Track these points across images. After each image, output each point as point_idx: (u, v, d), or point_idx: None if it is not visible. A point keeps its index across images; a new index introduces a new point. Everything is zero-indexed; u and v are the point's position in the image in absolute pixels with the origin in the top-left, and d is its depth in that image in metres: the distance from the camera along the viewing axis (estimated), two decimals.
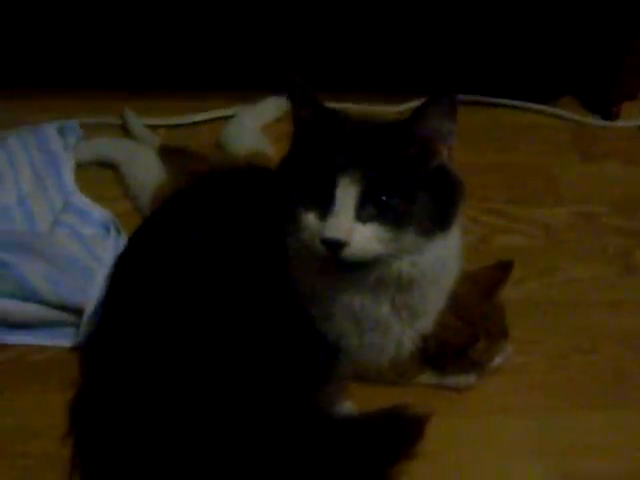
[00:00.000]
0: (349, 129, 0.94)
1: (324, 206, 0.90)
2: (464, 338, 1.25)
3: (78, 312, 1.28)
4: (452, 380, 1.31)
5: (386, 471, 1.17)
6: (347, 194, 0.89)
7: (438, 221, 0.94)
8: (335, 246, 0.88)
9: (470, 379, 1.31)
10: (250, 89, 1.66)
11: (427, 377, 1.31)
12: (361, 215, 0.89)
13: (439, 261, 0.98)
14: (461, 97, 1.71)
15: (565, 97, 1.84)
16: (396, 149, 0.92)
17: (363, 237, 0.89)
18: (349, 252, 0.89)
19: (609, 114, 1.82)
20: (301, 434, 1.12)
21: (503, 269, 1.33)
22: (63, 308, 1.29)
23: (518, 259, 1.36)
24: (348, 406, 1.26)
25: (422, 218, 0.92)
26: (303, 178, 0.92)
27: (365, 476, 1.15)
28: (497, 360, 1.31)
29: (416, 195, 0.91)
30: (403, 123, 0.94)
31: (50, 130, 1.54)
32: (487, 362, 1.30)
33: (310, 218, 0.91)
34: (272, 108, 1.69)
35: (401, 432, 1.21)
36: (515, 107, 1.81)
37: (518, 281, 1.45)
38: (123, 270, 1.18)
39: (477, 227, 1.56)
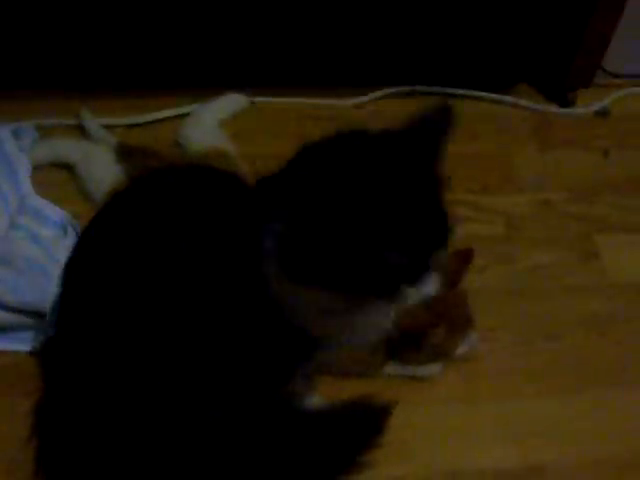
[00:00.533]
0: None
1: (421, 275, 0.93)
2: (424, 325, 1.24)
3: (38, 315, 1.26)
4: (417, 370, 1.31)
5: (353, 461, 1.17)
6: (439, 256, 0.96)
7: None
8: None
9: (435, 368, 1.31)
10: (207, 86, 1.66)
11: (392, 368, 1.31)
12: None
13: None
14: (417, 88, 1.76)
15: (520, 85, 1.85)
16: None
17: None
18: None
19: (565, 101, 1.83)
20: (270, 426, 1.13)
21: (463, 257, 1.33)
22: (22, 311, 1.27)
23: (479, 248, 1.37)
24: (317, 399, 1.26)
25: None
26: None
27: (333, 466, 1.16)
28: (461, 348, 1.31)
29: None
30: None
31: (4, 133, 1.51)
32: (451, 350, 1.30)
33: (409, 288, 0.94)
34: (230, 104, 1.68)
35: (366, 422, 1.22)
36: (471, 97, 1.81)
37: (480, 269, 1.45)
38: (76, 269, 1.17)
39: None
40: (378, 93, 1.77)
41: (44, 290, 1.26)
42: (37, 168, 1.52)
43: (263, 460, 1.11)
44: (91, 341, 1.07)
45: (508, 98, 1.82)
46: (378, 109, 1.76)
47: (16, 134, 1.53)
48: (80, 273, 1.15)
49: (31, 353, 1.28)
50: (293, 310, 1.00)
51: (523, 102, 1.83)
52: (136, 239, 1.10)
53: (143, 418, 1.05)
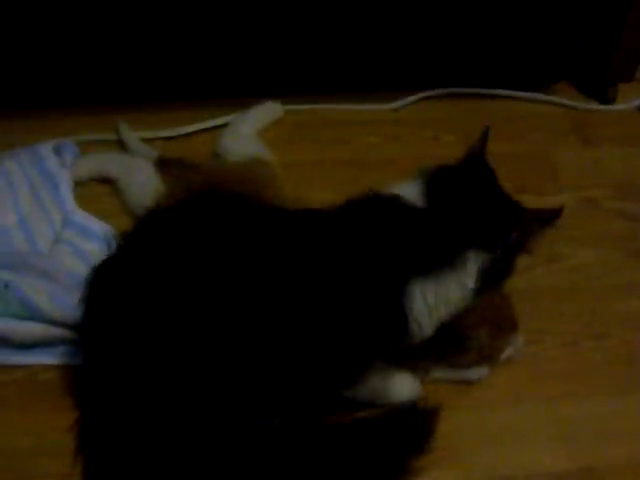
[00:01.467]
0: None
1: None
2: (468, 328, 1.24)
3: None
4: (464, 373, 1.30)
5: (402, 466, 1.17)
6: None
7: None
8: None
9: (482, 372, 1.30)
10: (243, 96, 1.66)
11: (439, 372, 1.30)
12: None
13: None
14: (454, 90, 1.75)
15: (560, 83, 1.83)
16: None
17: None
18: None
19: (606, 97, 1.81)
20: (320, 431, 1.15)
21: None
22: (69, 326, 1.28)
23: None
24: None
25: None
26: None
27: (382, 471, 1.16)
28: (508, 351, 1.30)
29: None
30: None
31: (46, 150, 1.53)
32: (497, 354, 1.29)
33: None
34: (267, 113, 1.69)
35: (414, 426, 1.21)
36: (510, 97, 1.80)
37: (524, 270, 1.42)
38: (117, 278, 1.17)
39: None
40: (416, 96, 1.76)
41: None
42: (79, 183, 1.54)
43: (309, 464, 1.11)
44: (133, 348, 1.08)
45: (547, 97, 1.80)
46: (418, 112, 1.75)
47: (57, 151, 1.55)
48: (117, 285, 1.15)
49: (77, 367, 1.28)
50: None
51: (562, 100, 1.81)
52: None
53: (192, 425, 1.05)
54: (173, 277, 1.08)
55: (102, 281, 1.16)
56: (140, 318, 1.08)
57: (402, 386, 1.26)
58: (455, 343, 1.25)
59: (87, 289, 1.16)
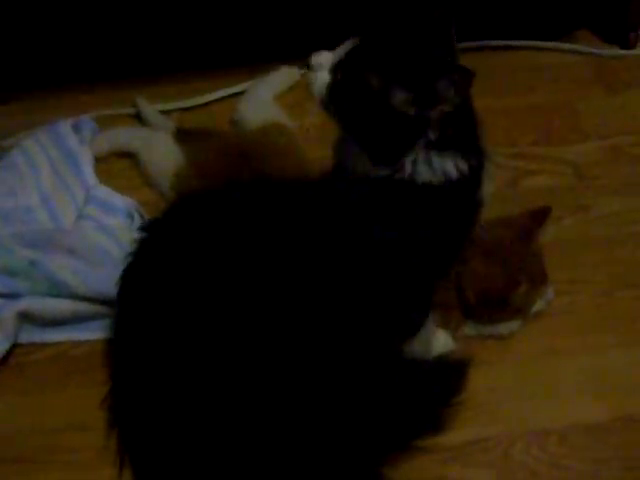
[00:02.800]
0: None
1: None
2: (504, 284, 1.23)
3: (110, 303, 1.27)
4: (495, 329, 1.28)
5: (436, 415, 1.18)
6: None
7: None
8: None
9: (513, 326, 1.29)
10: (259, 62, 1.65)
11: (470, 328, 1.29)
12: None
13: None
14: (476, 43, 1.72)
15: (581, 31, 1.80)
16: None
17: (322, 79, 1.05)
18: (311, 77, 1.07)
19: (627, 42, 1.77)
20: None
21: (540, 215, 1.30)
22: (95, 300, 1.29)
23: (550, 200, 1.35)
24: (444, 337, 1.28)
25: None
26: None
27: (417, 421, 1.17)
28: (539, 304, 1.29)
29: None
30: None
31: (64, 127, 1.53)
32: (529, 307, 1.28)
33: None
34: (284, 78, 1.67)
35: (444, 377, 1.22)
36: (531, 47, 1.78)
37: (552, 221, 1.41)
38: (151, 255, 1.18)
39: (504, 172, 1.53)
40: None
41: (114, 279, 1.26)
42: (99, 159, 1.54)
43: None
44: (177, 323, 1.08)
45: (569, 45, 1.77)
46: None
47: (76, 128, 1.55)
48: (158, 257, 1.16)
49: (106, 341, 1.29)
50: None
51: (584, 48, 1.78)
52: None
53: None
54: (204, 263, 1.09)
55: (136, 264, 1.18)
56: (173, 298, 1.09)
57: (436, 340, 1.25)
58: (492, 301, 1.24)
59: (122, 275, 1.18)
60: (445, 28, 1.03)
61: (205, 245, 1.11)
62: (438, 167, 1.01)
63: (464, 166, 1.03)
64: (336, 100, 1.03)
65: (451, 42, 1.04)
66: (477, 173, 1.06)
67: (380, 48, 1.00)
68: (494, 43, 1.76)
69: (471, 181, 1.05)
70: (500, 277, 1.24)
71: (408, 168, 1.01)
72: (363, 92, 0.99)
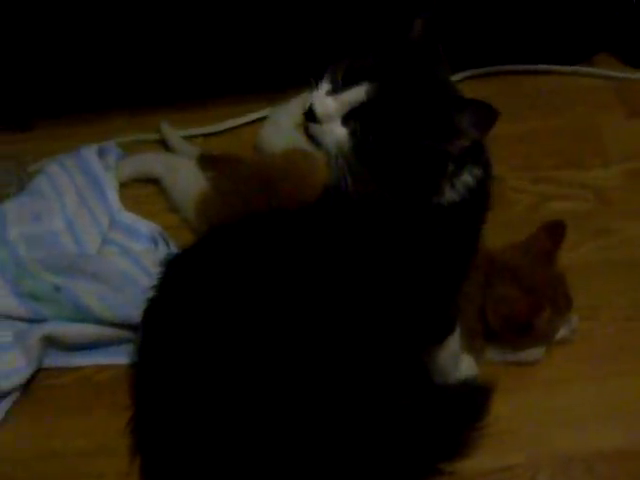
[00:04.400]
0: None
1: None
2: (527, 309, 1.22)
3: (134, 328, 1.28)
4: (519, 354, 1.28)
5: (460, 439, 1.18)
6: (357, 93, 0.94)
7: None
8: (310, 115, 0.97)
9: (537, 352, 1.28)
10: (282, 88, 1.66)
11: (494, 354, 1.29)
12: (346, 121, 0.95)
13: None
14: (496, 67, 1.73)
15: (602, 55, 1.80)
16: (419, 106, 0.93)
17: (332, 132, 0.95)
18: (312, 127, 0.97)
19: None
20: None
21: (555, 232, 1.30)
22: (119, 325, 1.30)
23: (572, 224, 1.35)
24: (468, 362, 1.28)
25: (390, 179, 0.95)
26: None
27: (440, 444, 1.17)
28: (563, 331, 1.28)
29: (398, 160, 0.94)
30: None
31: (89, 153, 1.55)
32: (553, 333, 1.28)
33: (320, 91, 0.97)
34: (305, 104, 1.67)
35: (467, 402, 1.22)
36: (553, 72, 1.77)
37: (574, 246, 1.42)
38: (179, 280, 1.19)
39: (526, 197, 1.53)
40: (458, 76, 1.74)
41: (138, 304, 1.28)
42: (123, 184, 1.55)
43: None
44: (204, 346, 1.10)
45: (590, 69, 1.77)
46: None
47: (101, 153, 1.57)
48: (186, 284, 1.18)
49: (130, 366, 1.30)
50: None
51: (605, 71, 1.77)
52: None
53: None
54: (227, 294, 1.11)
55: (162, 292, 1.20)
56: (196, 326, 1.11)
57: (460, 364, 1.25)
58: (515, 326, 1.23)
59: (148, 302, 1.20)
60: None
61: (229, 276, 1.12)
62: (460, 185, 1.00)
63: (479, 172, 1.01)
64: (364, 156, 0.94)
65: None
66: (486, 171, 1.04)
67: (395, 90, 0.93)
68: (515, 67, 1.76)
69: (485, 185, 1.04)
70: (524, 302, 1.23)
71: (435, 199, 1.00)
72: (401, 145, 0.93)
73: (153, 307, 1.20)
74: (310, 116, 0.95)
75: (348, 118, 0.93)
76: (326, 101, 0.94)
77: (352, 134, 0.93)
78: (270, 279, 1.10)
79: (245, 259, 1.14)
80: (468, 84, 1.74)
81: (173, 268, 1.22)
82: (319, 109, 0.94)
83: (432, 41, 1.00)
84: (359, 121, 0.93)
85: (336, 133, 0.94)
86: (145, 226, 1.46)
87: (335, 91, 0.94)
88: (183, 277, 1.19)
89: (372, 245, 1.04)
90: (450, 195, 0.99)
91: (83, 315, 1.29)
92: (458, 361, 1.24)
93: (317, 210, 1.12)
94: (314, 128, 0.95)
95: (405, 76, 0.94)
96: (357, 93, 0.92)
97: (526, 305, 1.23)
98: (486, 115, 0.93)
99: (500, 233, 1.35)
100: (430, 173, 0.96)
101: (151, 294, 1.21)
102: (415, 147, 0.93)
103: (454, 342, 1.20)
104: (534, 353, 1.29)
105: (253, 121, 1.68)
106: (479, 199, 1.04)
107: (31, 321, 1.32)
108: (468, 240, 1.08)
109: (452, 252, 1.06)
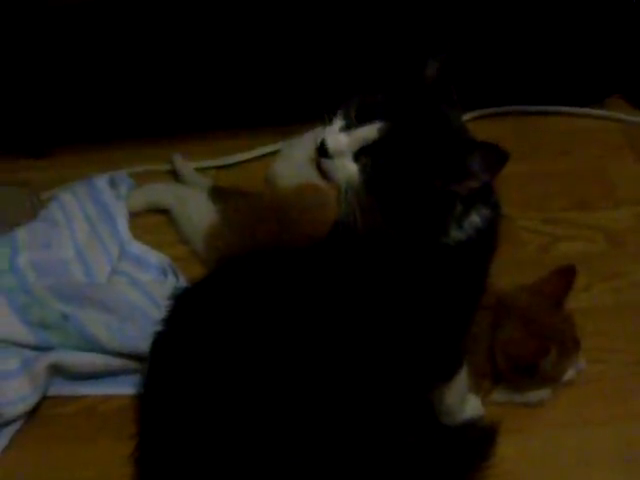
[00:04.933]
0: None
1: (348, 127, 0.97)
2: (534, 350, 1.22)
3: (141, 359, 1.28)
4: (526, 396, 1.28)
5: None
6: (369, 131, 0.95)
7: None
8: (322, 149, 0.97)
9: (544, 394, 1.28)
10: (294, 122, 1.67)
11: (501, 394, 1.28)
12: (357, 158, 0.96)
13: None
14: (508, 108, 1.74)
15: (613, 98, 1.81)
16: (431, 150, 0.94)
17: (343, 167, 0.95)
18: (325, 162, 0.97)
19: None
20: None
21: (566, 276, 1.30)
22: (126, 356, 1.30)
23: (581, 266, 1.34)
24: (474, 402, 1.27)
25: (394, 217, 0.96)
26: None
27: None
28: (570, 373, 1.28)
29: (408, 200, 0.94)
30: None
31: (101, 182, 1.56)
32: (560, 375, 1.27)
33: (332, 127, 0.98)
34: (318, 138, 1.68)
35: (474, 441, 1.21)
36: (564, 113, 1.78)
37: (584, 288, 1.42)
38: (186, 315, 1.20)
39: (537, 237, 1.54)
40: (468, 116, 1.75)
41: (146, 334, 1.27)
42: (134, 214, 1.56)
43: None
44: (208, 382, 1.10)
45: (601, 111, 1.78)
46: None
47: (112, 183, 1.57)
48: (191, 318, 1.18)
49: (136, 397, 1.29)
50: None
51: (616, 114, 1.78)
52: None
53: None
54: (236, 330, 1.11)
55: (170, 326, 1.20)
56: (206, 359, 1.11)
57: (467, 405, 1.24)
58: (520, 367, 1.23)
59: (158, 332, 1.21)
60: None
61: (238, 312, 1.13)
62: (467, 226, 1.00)
63: (488, 212, 1.01)
64: (373, 192, 0.94)
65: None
66: (496, 212, 1.04)
67: (406, 129, 0.94)
68: (526, 108, 1.77)
69: (493, 225, 1.04)
70: (530, 343, 1.23)
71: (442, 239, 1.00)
72: (411, 184, 0.93)
73: (161, 341, 1.20)
74: (322, 151, 0.96)
75: (359, 154, 0.94)
76: (338, 137, 0.95)
77: (363, 170, 0.94)
78: (279, 315, 1.10)
79: (254, 295, 1.14)
80: (479, 124, 1.75)
81: (182, 302, 1.22)
82: (331, 144, 0.95)
83: (445, 82, 1.00)
84: (370, 157, 0.94)
85: (347, 168, 0.94)
86: (155, 257, 1.46)
87: (348, 127, 0.95)
88: (192, 311, 1.19)
89: (380, 281, 1.04)
90: (457, 235, 0.99)
91: (90, 344, 1.29)
92: (464, 401, 1.23)
93: (326, 246, 1.12)
94: (326, 163, 0.96)
95: (418, 116, 0.95)
96: (370, 131, 0.93)
97: (532, 347, 1.22)
98: (496, 158, 0.93)
99: (510, 273, 1.35)
100: (438, 212, 0.96)
101: (159, 327, 1.21)
102: (424, 187, 0.93)
103: (461, 381, 1.19)
104: (541, 394, 1.28)
105: (265, 155, 1.69)
106: (487, 239, 1.04)
107: (38, 349, 1.31)
108: (476, 279, 1.08)
109: (459, 291, 1.06)
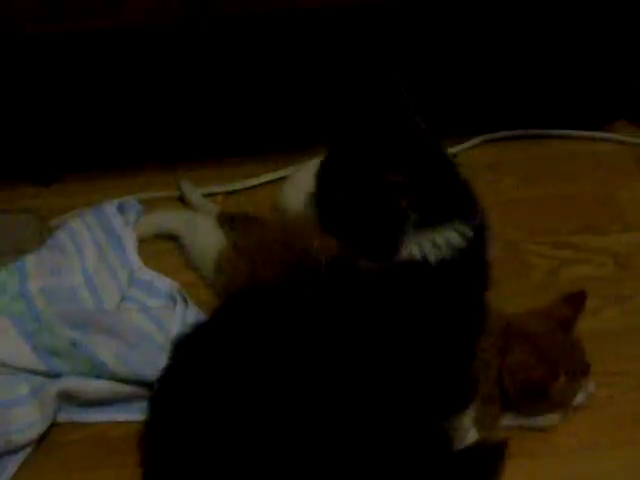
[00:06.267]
0: None
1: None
2: (542, 375, 1.21)
3: (150, 385, 1.28)
4: (535, 420, 1.27)
5: None
6: None
7: None
8: None
9: (553, 418, 1.27)
10: (302, 148, 1.68)
11: (510, 419, 1.27)
12: None
13: None
14: (515, 132, 1.74)
15: (620, 121, 1.82)
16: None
17: None
18: None
19: None
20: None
21: (576, 301, 1.30)
22: (135, 382, 1.29)
23: (590, 289, 1.34)
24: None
25: None
26: None
27: None
28: (580, 397, 1.27)
29: None
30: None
31: (110, 209, 1.56)
32: (569, 400, 1.26)
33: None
34: None
35: (482, 466, 1.21)
36: (571, 137, 1.79)
37: (593, 312, 1.41)
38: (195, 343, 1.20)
39: (545, 261, 1.53)
40: (475, 140, 1.76)
41: (155, 361, 1.28)
42: (143, 241, 1.56)
43: None
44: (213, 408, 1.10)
45: (608, 135, 1.79)
46: (477, 156, 1.75)
47: (121, 209, 1.58)
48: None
49: (143, 423, 1.28)
50: None
51: (623, 137, 1.79)
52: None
53: None
54: (246, 364, 1.11)
55: (182, 353, 1.21)
56: (213, 392, 1.11)
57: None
58: (529, 392, 1.22)
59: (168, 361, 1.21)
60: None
61: (248, 347, 1.13)
62: (443, 243, 0.99)
63: (466, 229, 1.00)
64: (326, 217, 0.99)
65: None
66: (481, 234, 1.03)
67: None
68: (535, 132, 1.78)
69: (477, 244, 1.03)
70: (539, 368, 1.22)
71: (415, 252, 0.99)
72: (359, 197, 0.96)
73: (170, 369, 1.20)
74: None
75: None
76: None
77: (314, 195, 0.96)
78: (283, 352, 1.09)
79: (259, 333, 1.14)
80: (488, 147, 1.76)
81: (190, 339, 1.22)
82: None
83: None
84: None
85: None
86: (164, 283, 1.46)
87: None
88: (199, 348, 1.20)
89: (375, 312, 1.04)
90: (432, 252, 0.99)
91: (98, 371, 1.29)
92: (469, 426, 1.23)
93: (325, 280, 1.12)
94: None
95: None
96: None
97: (541, 372, 1.22)
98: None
99: (519, 297, 1.36)
100: (390, 221, 0.97)
101: (170, 354, 1.21)
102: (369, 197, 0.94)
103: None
104: (550, 419, 1.27)
105: (273, 181, 1.69)
106: (473, 260, 1.03)
107: (47, 375, 1.31)
108: (469, 301, 1.07)
109: (453, 315, 1.05)
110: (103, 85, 1.63)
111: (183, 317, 1.37)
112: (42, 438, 1.28)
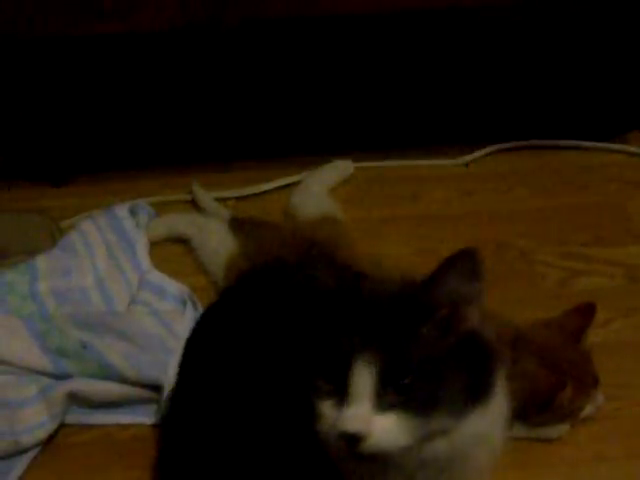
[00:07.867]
0: (365, 299, 0.86)
1: (340, 393, 0.82)
2: (550, 386, 1.21)
3: (158, 389, 1.28)
4: (543, 431, 1.27)
5: None
6: (363, 379, 0.80)
7: (474, 396, 0.85)
8: (352, 440, 0.80)
9: (561, 429, 1.27)
10: (314, 154, 1.68)
11: (517, 430, 1.27)
12: (381, 403, 0.81)
13: (479, 436, 0.87)
14: (527, 142, 1.75)
15: (633, 133, 1.81)
16: (414, 323, 0.83)
17: (384, 429, 0.80)
18: (368, 446, 0.80)
19: None
20: None
21: (586, 313, 1.30)
22: (144, 385, 1.29)
23: (600, 301, 1.33)
24: None
25: (453, 396, 0.83)
26: (317, 360, 0.85)
27: None
28: (588, 409, 1.27)
29: (443, 372, 0.82)
30: (419, 291, 0.85)
31: (122, 211, 1.57)
32: (578, 411, 1.26)
33: (327, 406, 0.84)
34: (337, 171, 1.70)
35: None
36: (583, 148, 1.79)
37: (603, 323, 1.41)
38: (198, 344, 1.19)
39: (555, 272, 1.53)
40: (487, 150, 1.76)
41: (164, 364, 1.28)
42: (154, 243, 1.57)
43: None
44: (211, 415, 1.07)
45: (620, 146, 1.78)
46: (489, 166, 1.75)
47: (133, 212, 1.59)
48: (205, 347, 1.17)
49: (152, 426, 1.29)
50: None
51: (633, 149, 1.79)
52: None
53: None
54: (260, 348, 1.07)
55: (192, 346, 1.19)
56: (227, 384, 1.08)
57: None
58: (536, 402, 1.22)
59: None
60: None
61: (262, 339, 1.09)
62: None
63: None
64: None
65: None
66: None
67: None
68: (546, 142, 1.78)
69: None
70: (546, 379, 1.22)
71: None
72: None
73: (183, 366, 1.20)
74: (351, 440, 0.82)
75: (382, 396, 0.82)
76: (351, 417, 0.82)
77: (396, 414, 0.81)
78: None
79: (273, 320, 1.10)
80: (497, 158, 1.76)
81: (202, 327, 1.21)
82: (353, 429, 0.82)
83: None
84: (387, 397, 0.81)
85: (385, 428, 0.81)
86: (174, 286, 1.46)
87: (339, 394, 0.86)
88: (212, 336, 1.17)
89: None
90: None
91: (107, 373, 1.29)
92: None
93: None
94: (365, 447, 0.82)
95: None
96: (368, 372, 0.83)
97: (548, 382, 1.21)
98: None
99: (528, 308, 1.36)
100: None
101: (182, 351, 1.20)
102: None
103: None
104: (558, 430, 1.27)
105: (285, 186, 1.70)
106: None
107: (56, 377, 1.31)
108: None
109: None
110: (117, 88, 1.63)
111: (192, 321, 1.36)
112: (49, 439, 1.28)
